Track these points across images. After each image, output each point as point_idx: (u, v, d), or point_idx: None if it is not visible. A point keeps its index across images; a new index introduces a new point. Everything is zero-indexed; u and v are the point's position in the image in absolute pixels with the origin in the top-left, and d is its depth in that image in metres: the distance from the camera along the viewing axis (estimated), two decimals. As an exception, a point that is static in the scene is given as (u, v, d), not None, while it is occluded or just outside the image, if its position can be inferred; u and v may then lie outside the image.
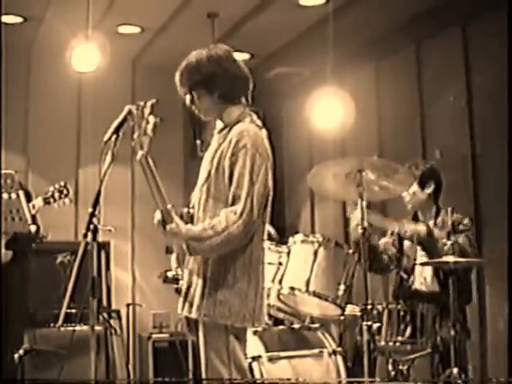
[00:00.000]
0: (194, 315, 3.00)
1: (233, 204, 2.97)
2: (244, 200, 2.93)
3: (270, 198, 3.09)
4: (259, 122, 3.14)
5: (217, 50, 3.13)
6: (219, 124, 3.20)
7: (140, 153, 2.94)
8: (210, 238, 2.92)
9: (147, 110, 2.98)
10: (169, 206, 2.97)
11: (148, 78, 7.19)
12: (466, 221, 4.39)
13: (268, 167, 3.04)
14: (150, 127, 2.96)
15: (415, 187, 4.47)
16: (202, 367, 3.02)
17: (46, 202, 4.96)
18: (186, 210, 3.10)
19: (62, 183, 5.06)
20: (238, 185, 2.96)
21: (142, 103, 3.00)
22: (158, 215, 3.00)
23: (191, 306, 3.01)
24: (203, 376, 3.02)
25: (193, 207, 3.13)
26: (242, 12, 6.04)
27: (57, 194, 5.00)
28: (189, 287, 3.05)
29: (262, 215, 3.03)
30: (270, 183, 3.06)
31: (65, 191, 5.04)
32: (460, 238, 4.18)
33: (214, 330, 2.97)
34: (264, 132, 3.12)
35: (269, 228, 3.31)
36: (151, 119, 2.97)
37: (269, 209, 3.10)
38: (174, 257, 3.24)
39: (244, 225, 2.93)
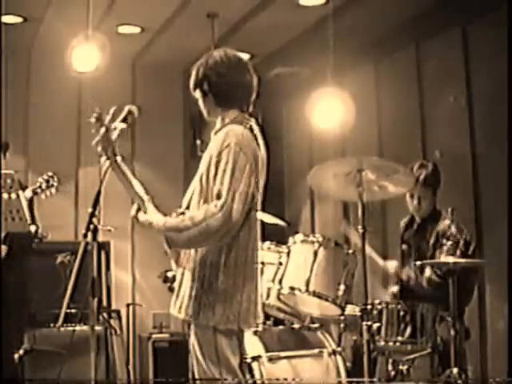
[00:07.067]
0: (181, 316, 3.05)
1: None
2: (225, 195, 2.91)
3: (259, 201, 3.08)
4: (254, 125, 3.12)
5: (218, 54, 3.16)
6: (218, 125, 3.19)
7: (119, 158, 3.06)
8: (187, 228, 2.92)
9: (110, 117, 3.14)
10: (145, 198, 3.07)
11: (148, 78, 7.18)
12: (452, 229, 4.27)
13: (253, 168, 3.00)
14: (116, 133, 3.10)
15: (426, 192, 4.46)
16: (195, 366, 3.05)
17: (35, 192, 4.98)
18: (179, 210, 3.08)
19: (50, 173, 5.07)
20: (221, 181, 2.94)
21: (111, 111, 3.17)
22: (133, 209, 3.08)
23: (180, 306, 3.06)
24: (196, 374, 3.05)
25: (187, 207, 3.11)
26: (242, 12, 6.04)
27: (44, 185, 5.01)
28: (180, 287, 3.09)
29: (248, 216, 3.00)
30: (256, 184, 3.02)
31: (51, 181, 5.05)
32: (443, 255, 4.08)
33: (203, 329, 3.00)
34: (255, 134, 3.10)
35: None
36: (118, 125, 3.13)
37: (257, 212, 3.08)
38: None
39: (224, 218, 2.88)
